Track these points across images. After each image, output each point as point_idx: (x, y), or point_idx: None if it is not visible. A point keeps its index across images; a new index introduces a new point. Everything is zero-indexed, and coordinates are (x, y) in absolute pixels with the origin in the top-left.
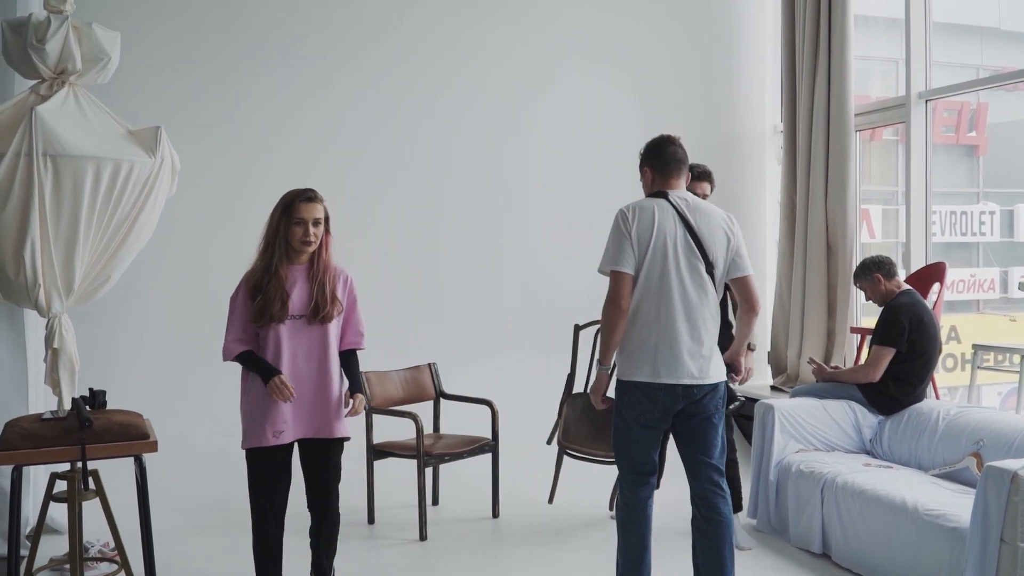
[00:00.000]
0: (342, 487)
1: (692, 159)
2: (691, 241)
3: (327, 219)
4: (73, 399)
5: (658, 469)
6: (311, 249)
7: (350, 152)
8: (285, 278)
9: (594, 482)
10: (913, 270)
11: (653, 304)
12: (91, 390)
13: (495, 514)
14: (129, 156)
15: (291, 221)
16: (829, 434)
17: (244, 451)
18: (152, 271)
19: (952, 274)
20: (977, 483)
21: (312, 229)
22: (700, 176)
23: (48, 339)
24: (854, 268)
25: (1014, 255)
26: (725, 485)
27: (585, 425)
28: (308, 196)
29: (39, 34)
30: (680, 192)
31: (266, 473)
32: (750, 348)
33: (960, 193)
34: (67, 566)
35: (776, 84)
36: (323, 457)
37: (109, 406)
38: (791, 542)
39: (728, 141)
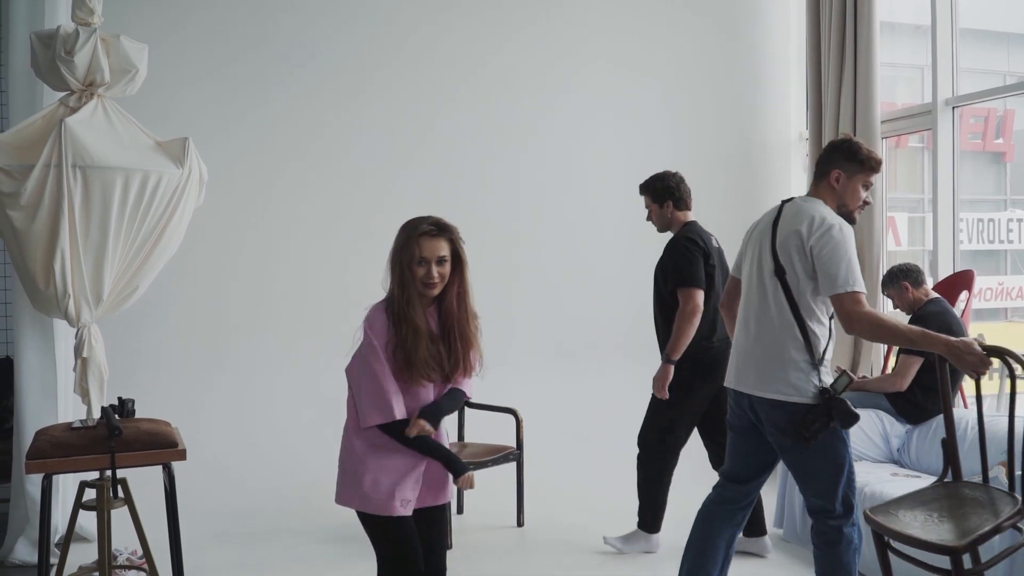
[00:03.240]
0: None
1: (718, 166)
2: None
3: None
4: (103, 408)
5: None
6: (435, 292)
7: (371, 158)
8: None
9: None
10: (940, 278)
11: None
12: (120, 399)
13: (519, 523)
14: (157, 167)
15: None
16: (857, 443)
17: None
18: (179, 280)
19: (980, 282)
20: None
21: (436, 269)
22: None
23: (78, 348)
24: (881, 276)
25: None
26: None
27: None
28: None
29: (68, 46)
30: None
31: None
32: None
33: (987, 200)
34: (96, 574)
35: (801, 91)
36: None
37: (137, 415)
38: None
39: (754, 149)
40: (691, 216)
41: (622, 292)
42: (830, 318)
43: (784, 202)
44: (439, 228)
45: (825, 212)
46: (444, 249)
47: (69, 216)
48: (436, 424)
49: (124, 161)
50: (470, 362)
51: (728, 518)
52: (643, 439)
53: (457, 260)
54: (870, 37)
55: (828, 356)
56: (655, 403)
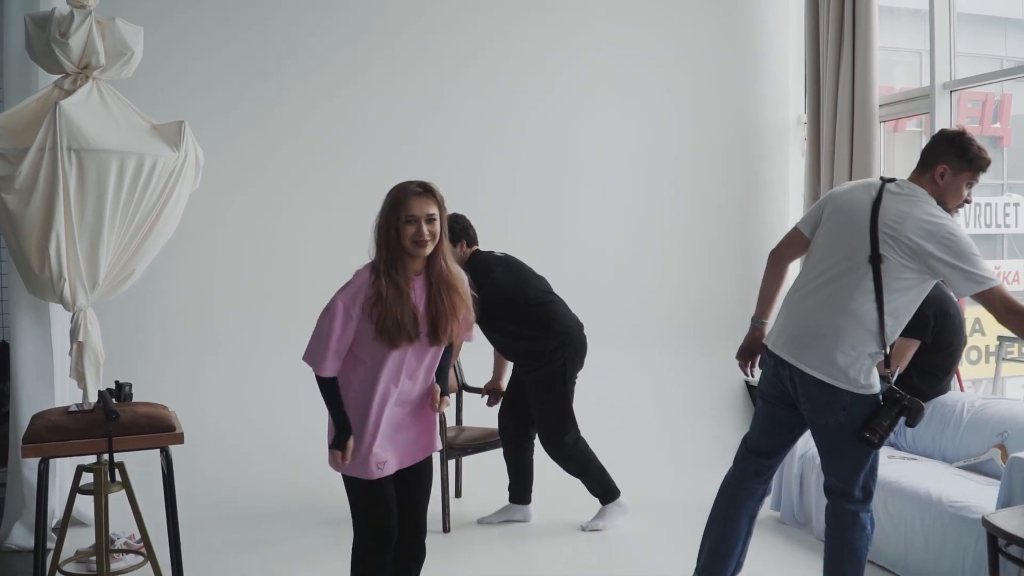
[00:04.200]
0: None
1: (716, 149)
2: None
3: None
4: (100, 392)
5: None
6: (426, 251)
7: (368, 142)
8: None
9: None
10: None
11: None
12: (117, 383)
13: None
14: (153, 151)
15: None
16: None
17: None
18: (176, 264)
19: None
20: (1002, 474)
21: (427, 227)
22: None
23: (73, 333)
24: None
25: None
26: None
27: None
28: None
29: (62, 29)
30: None
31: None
32: None
33: (984, 184)
34: (93, 558)
35: (800, 75)
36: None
37: (135, 399)
38: (814, 534)
39: (752, 132)
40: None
41: (622, 275)
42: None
43: (884, 181)
44: (425, 189)
45: (934, 208)
46: (433, 208)
47: (64, 199)
48: (447, 390)
49: (119, 144)
50: (468, 320)
51: (751, 491)
52: (549, 441)
53: (442, 221)
54: (868, 21)
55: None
56: (540, 400)
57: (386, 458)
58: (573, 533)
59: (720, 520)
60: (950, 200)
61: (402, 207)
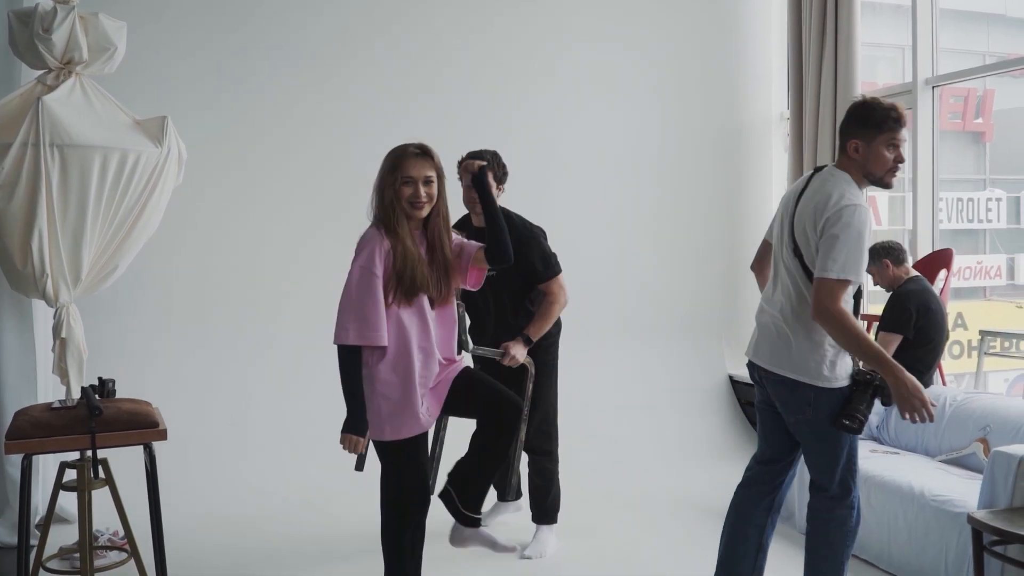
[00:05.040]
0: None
1: (699, 145)
2: None
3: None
4: (83, 388)
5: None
6: (422, 213)
7: (352, 138)
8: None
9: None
10: (920, 257)
11: None
12: (100, 379)
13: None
14: (136, 146)
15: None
16: None
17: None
18: (159, 260)
19: (959, 261)
20: (984, 468)
21: (424, 189)
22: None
23: (56, 329)
24: None
25: (1021, 242)
26: None
27: None
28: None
29: (45, 24)
30: None
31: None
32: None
33: (967, 180)
34: (77, 555)
35: (782, 71)
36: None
37: (118, 395)
38: (797, 528)
39: (735, 128)
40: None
41: (605, 269)
42: (855, 297)
43: (816, 170)
44: (424, 151)
45: (845, 189)
46: (430, 169)
47: (47, 195)
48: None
49: (102, 140)
50: (434, 293)
51: (755, 502)
52: (534, 445)
53: (440, 185)
54: (851, 17)
55: None
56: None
57: (426, 404)
58: (562, 532)
59: (727, 529)
60: (876, 169)
61: (399, 169)
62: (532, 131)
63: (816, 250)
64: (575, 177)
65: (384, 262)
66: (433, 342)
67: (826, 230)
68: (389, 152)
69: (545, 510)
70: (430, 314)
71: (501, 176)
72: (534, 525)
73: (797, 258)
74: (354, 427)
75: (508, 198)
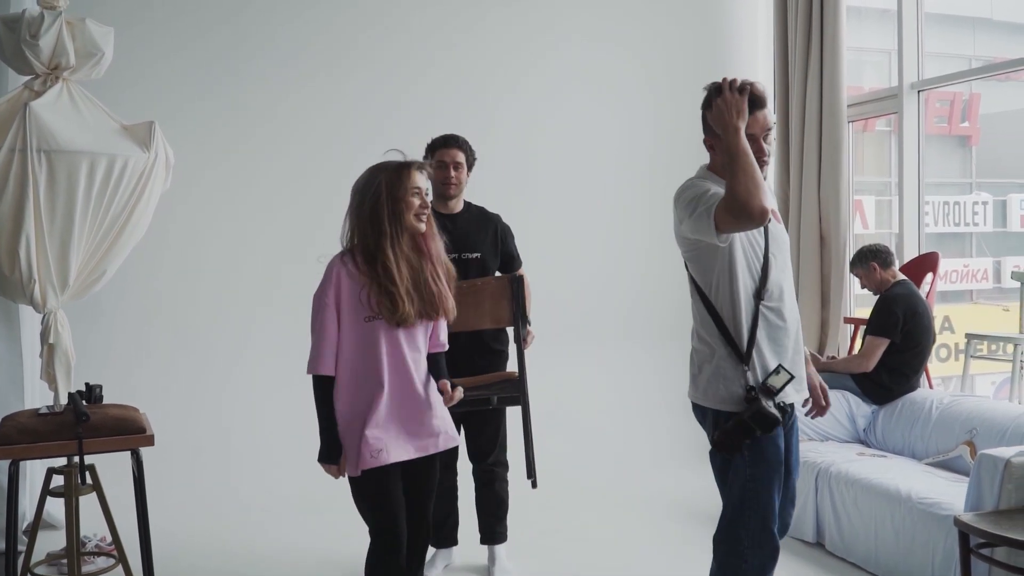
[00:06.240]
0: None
1: (686, 149)
2: None
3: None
4: (70, 394)
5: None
6: (422, 228)
7: (339, 139)
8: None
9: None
10: (906, 260)
11: None
12: (87, 385)
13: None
14: (123, 151)
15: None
16: (823, 424)
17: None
18: (147, 266)
19: (945, 264)
20: (970, 471)
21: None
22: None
23: (44, 335)
24: (848, 259)
25: (1007, 245)
26: None
27: None
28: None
29: (33, 30)
30: None
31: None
32: None
33: (953, 183)
34: (65, 561)
35: (769, 75)
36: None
37: (105, 401)
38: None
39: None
40: None
41: (599, 273)
42: (756, 298)
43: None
44: (420, 164)
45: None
46: (426, 181)
47: (34, 201)
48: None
49: (90, 145)
50: (449, 305)
51: None
52: (500, 459)
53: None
54: (837, 21)
55: (762, 350)
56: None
57: (380, 447)
58: (552, 533)
59: None
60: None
61: (407, 179)
62: (519, 130)
63: (686, 249)
64: (562, 177)
65: (335, 289)
66: (410, 368)
67: (675, 199)
68: (379, 167)
69: (504, 526)
70: (410, 334)
71: (471, 162)
72: (486, 548)
73: (685, 265)
74: (324, 455)
75: (501, 198)
